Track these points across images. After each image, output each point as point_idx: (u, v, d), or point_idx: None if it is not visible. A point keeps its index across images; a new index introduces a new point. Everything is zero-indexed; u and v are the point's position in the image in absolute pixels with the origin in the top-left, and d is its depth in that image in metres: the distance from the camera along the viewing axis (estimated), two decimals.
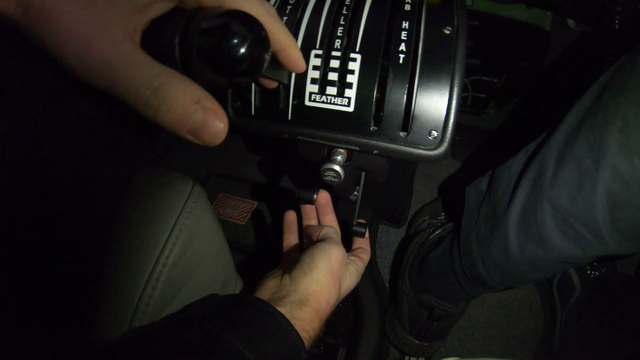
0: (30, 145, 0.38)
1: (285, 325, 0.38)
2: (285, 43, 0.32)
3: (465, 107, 1.33)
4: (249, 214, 1.11)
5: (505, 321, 0.90)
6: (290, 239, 0.59)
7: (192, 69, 0.26)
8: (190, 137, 0.26)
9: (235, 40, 0.24)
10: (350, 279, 0.50)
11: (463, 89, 1.20)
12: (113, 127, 0.48)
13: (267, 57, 0.28)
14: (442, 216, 0.89)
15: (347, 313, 0.78)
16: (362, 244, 0.59)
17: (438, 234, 0.77)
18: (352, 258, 0.53)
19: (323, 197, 0.56)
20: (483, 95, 1.28)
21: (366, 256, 0.57)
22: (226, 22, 0.25)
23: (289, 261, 0.52)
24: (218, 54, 0.25)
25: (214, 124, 0.26)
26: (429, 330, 0.73)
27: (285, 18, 0.43)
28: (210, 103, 0.26)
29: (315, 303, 0.42)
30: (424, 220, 0.89)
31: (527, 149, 0.58)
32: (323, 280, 0.43)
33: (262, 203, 1.14)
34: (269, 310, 0.39)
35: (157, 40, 0.26)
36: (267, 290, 0.44)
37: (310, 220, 0.58)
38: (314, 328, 0.41)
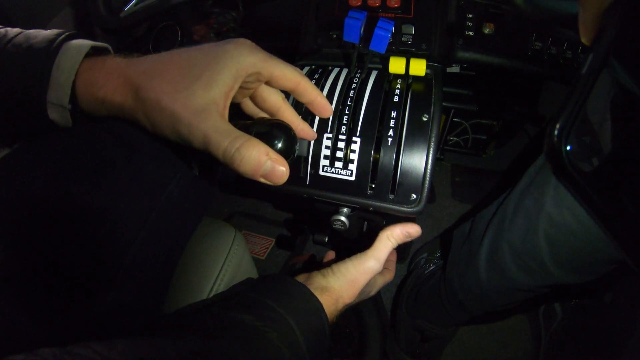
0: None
1: (307, 293, 0.47)
2: (314, 94, 0.45)
3: (466, 148, 1.41)
4: (268, 250, 1.23)
5: (496, 346, 0.99)
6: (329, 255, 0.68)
7: None
8: (263, 180, 0.39)
9: (276, 141, 0.40)
10: (369, 289, 0.57)
11: (464, 132, 1.32)
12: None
13: (297, 147, 0.43)
14: (438, 253, 1.01)
15: (353, 337, 0.90)
16: (389, 265, 0.64)
17: (432, 269, 0.90)
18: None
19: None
20: (484, 137, 1.36)
21: (389, 275, 0.62)
22: (270, 130, 0.40)
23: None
24: None
25: (279, 168, 0.38)
26: (422, 350, 0.85)
27: None
28: (275, 155, 0.38)
29: (335, 295, 0.50)
30: (422, 258, 1.02)
31: (499, 200, 0.71)
32: (347, 285, 0.51)
33: (280, 240, 1.25)
34: (294, 282, 0.49)
35: None
36: (298, 279, 0.52)
37: None
38: (330, 312, 0.48)
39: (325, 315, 0.47)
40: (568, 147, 0.21)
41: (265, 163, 0.37)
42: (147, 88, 0.37)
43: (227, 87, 0.37)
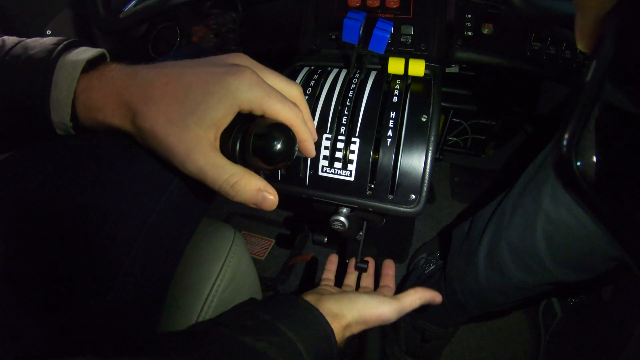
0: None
1: (320, 319, 0.48)
2: (304, 137, 0.44)
3: (465, 149, 1.42)
4: (268, 250, 1.23)
5: (495, 346, 0.99)
6: (330, 275, 0.68)
7: (249, 162, 0.40)
8: (254, 207, 0.41)
9: (276, 142, 0.39)
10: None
11: (463, 132, 1.33)
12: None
13: (296, 148, 0.42)
14: (438, 253, 1.01)
15: (353, 337, 0.90)
16: (388, 282, 0.67)
17: (431, 269, 0.91)
18: None
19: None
20: (483, 137, 1.37)
21: (389, 294, 0.63)
22: (270, 132, 0.40)
23: (328, 290, 0.60)
24: (265, 151, 0.39)
25: (269, 199, 0.40)
26: (422, 350, 0.85)
27: None
28: (266, 188, 0.40)
29: (345, 323, 0.51)
30: (422, 258, 1.02)
31: (498, 199, 0.71)
32: (358, 319, 0.52)
33: (280, 240, 1.25)
34: (307, 306, 0.50)
35: (226, 145, 0.41)
36: (309, 299, 0.53)
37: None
38: (338, 338, 0.49)
39: (335, 340, 0.48)
40: (578, 163, 0.21)
41: (257, 196, 0.40)
42: (143, 116, 0.38)
43: (219, 121, 0.38)
